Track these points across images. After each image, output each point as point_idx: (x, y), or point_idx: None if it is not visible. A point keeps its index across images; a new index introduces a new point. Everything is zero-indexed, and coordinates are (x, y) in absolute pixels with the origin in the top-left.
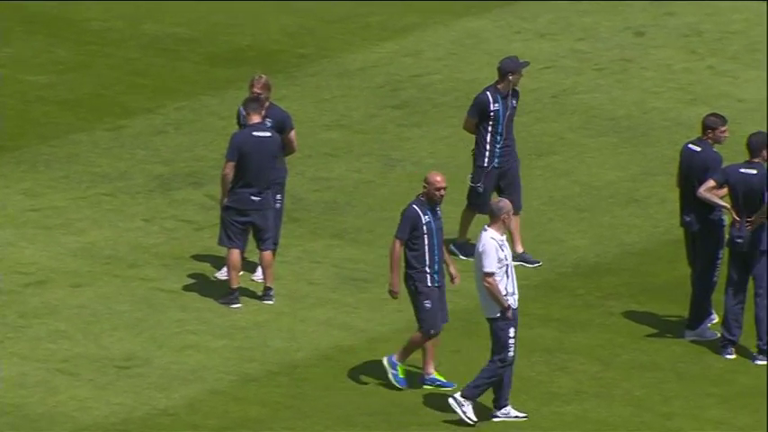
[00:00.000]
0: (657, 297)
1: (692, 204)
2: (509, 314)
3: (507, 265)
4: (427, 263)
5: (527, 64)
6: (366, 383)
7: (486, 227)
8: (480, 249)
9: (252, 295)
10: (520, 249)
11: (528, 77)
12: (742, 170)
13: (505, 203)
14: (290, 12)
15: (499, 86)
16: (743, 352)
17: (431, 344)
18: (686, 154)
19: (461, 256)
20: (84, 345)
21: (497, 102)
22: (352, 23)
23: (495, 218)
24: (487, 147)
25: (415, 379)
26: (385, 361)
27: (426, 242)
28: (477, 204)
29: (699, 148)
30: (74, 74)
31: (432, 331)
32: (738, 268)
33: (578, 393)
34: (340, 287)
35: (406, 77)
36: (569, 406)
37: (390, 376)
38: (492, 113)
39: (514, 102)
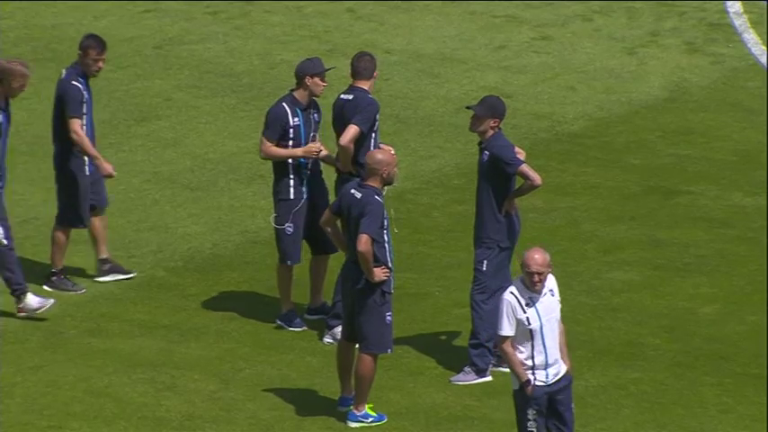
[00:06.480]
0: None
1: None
2: (528, 389)
3: (532, 329)
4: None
5: (324, 68)
6: None
7: (513, 279)
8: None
9: None
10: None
11: (125, 23)
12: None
13: (537, 257)
14: None
15: (296, 95)
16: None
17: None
18: (338, 106)
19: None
20: None
21: (297, 115)
22: None
23: (524, 270)
24: (291, 174)
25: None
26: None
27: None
28: (288, 253)
29: (351, 96)
30: None
31: (389, 350)
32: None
33: (191, 418)
34: None
35: None
36: None
37: (370, 423)
38: (292, 130)
39: (317, 115)
